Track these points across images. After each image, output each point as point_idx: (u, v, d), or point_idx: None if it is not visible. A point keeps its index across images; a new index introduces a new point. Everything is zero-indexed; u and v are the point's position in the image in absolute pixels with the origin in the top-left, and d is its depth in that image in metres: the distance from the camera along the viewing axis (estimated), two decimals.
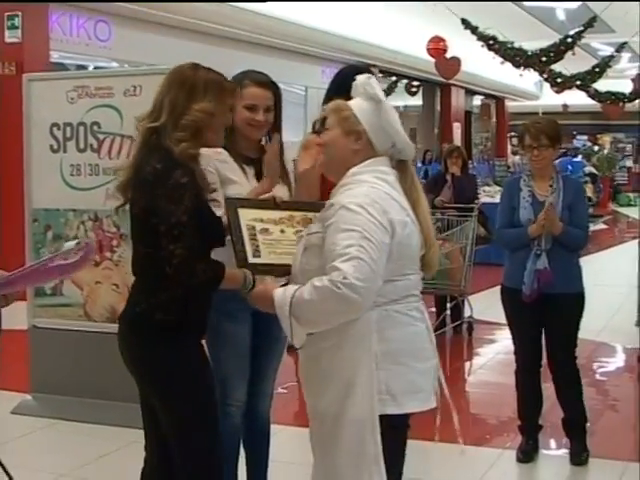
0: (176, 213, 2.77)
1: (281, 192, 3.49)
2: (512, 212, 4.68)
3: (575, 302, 4.69)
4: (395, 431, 2.69)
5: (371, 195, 2.60)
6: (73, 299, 5.71)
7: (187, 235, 2.78)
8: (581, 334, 4.82)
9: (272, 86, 3.65)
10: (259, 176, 3.58)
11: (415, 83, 21.57)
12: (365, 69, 4.01)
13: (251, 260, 2.93)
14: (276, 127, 3.67)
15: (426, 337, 2.76)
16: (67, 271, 3.40)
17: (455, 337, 8.33)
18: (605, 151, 29.15)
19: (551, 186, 4.64)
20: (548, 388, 4.93)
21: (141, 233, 2.95)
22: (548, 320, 4.69)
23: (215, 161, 3.47)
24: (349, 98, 2.86)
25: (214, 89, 2.93)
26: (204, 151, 3.22)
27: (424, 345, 2.74)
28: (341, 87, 3.55)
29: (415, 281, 2.73)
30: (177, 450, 2.98)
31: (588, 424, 4.90)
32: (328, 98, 3.69)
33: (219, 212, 3.11)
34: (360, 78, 2.85)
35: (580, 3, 15.76)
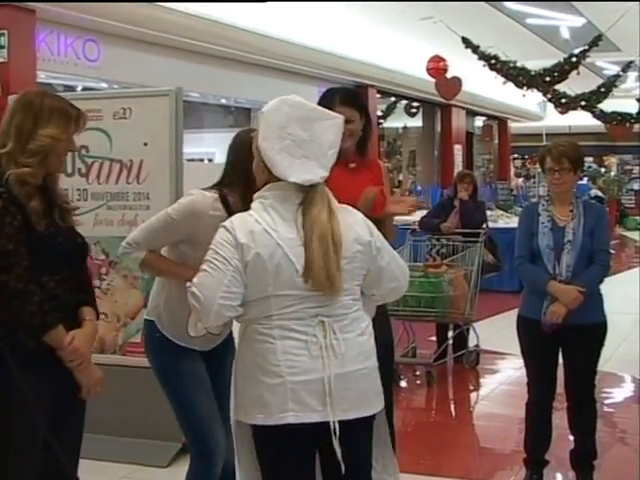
0: None
1: None
2: (531, 238, 4.56)
3: (597, 332, 4.57)
4: (271, 442, 2.76)
5: (234, 219, 2.82)
6: None
7: (18, 264, 2.76)
8: None
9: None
10: None
11: (415, 104, 21.31)
12: (344, 90, 4.03)
13: None
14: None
15: (286, 353, 2.74)
16: None
17: (457, 366, 8.00)
18: (611, 173, 28.94)
19: (571, 211, 4.55)
20: (554, 420, 4.77)
21: None
22: (568, 351, 4.58)
23: (206, 216, 3.35)
24: None
25: (58, 115, 2.98)
26: (199, 206, 3.30)
27: (278, 361, 2.74)
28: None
29: (283, 301, 2.75)
30: None
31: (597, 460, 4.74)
32: None
33: None
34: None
35: (585, 21, 15.44)
